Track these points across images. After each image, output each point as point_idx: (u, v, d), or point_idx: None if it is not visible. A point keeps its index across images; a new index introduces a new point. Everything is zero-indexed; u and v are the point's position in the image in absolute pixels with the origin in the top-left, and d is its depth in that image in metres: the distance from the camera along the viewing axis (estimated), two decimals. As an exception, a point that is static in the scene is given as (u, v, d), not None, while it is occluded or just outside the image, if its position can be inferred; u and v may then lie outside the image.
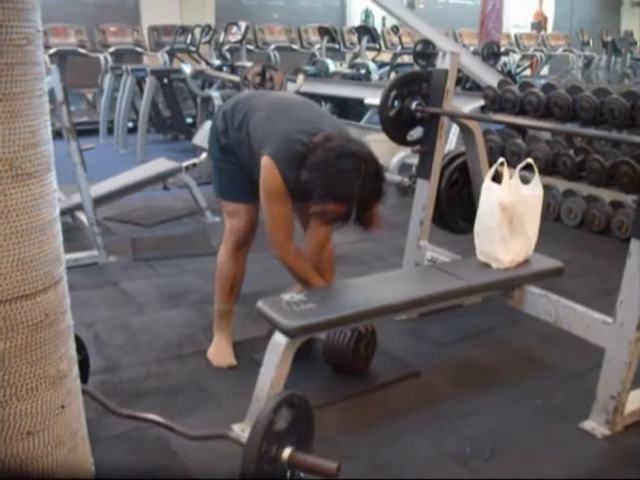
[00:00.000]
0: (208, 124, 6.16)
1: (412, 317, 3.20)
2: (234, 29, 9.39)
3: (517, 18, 15.57)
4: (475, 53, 7.99)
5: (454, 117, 3.20)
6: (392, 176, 5.90)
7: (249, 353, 2.85)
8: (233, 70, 7.50)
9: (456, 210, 3.46)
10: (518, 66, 10.86)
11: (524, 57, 12.68)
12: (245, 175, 2.64)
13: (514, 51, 12.39)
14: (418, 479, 2.15)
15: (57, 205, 1.55)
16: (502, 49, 9.16)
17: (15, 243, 1.40)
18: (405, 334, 3.15)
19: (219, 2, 12.30)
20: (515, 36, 12.97)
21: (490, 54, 7.81)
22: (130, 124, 7.92)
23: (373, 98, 5.66)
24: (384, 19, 12.61)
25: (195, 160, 5.20)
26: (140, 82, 7.89)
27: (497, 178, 2.69)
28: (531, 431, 2.40)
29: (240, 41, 9.31)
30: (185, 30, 9.65)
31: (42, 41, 1.47)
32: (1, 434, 1.45)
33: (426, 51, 6.93)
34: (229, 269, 2.80)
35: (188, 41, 9.31)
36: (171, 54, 9.91)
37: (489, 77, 5.57)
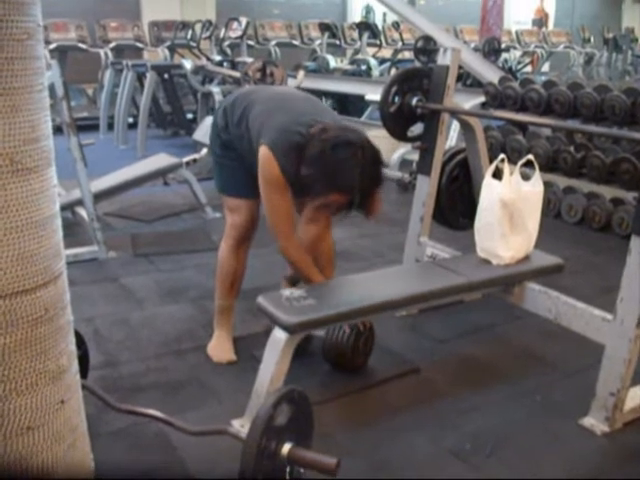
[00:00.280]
0: (208, 120, 6.16)
1: (412, 313, 3.20)
2: (235, 25, 9.38)
3: (518, 14, 15.55)
4: (476, 49, 7.98)
5: (455, 113, 3.19)
6: (392, 172, 5.90)
7: (249, 349, 2.85)
8: (234, 66, 7.50)
9: (456, 206, 3.46)
10: (519, 63, 10.87)
11: (525, 54, 12.67)
12: (246, 170, 2.64)
13: (515, 48, 12.38)
14: (418, 476, 2.15)
15: (57, 200, 1.55)
16: (503, 46, 9.14)
17: (15, 238, 1.40)
18: (405, 330, 3.15)
19: (220, -3, 12.30)
20: (516, 32, 12.95)
21: (491, 50, 7.79)
22: (130, 119, 7.92)
23: (374, 94, 5.66)
24: (385, 15, 12.60)
25: (195, 156, 5.20)
26: (140, 77, 7.89)
27: (498, 174, 2.69)
28: (531, 428, 2.40)
29: (241, 37, 9.30)
30: (186, 26, 9.64)
31: (42, 36, 1.47)
32: (1, 429, 1.45)
33: (427, 47, 6.91)
34: (230, 265, 2.80)
35: (189, 37, 9.30)
36: (172, 49, 9.89)
37: (490, 73, 5.57)
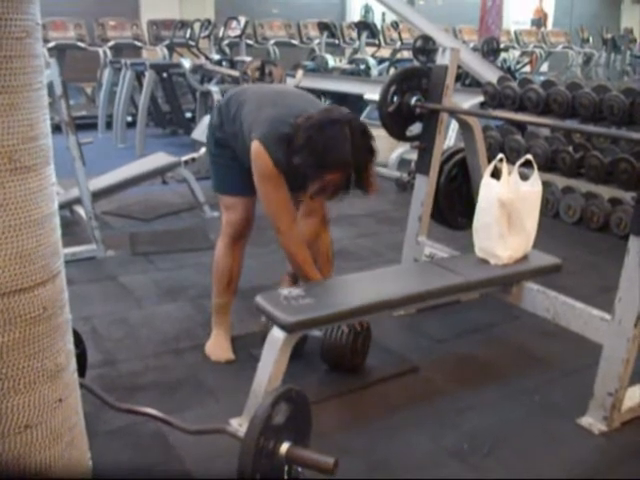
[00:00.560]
0: (207, 119, 6.15)
1: (410, 313, 3.20)
2: (234, 24, 9.39)
3: (517, 14, 15.54)
4: (475, 49, 7.97)
5: (453, 113, 3.20)
6: (391, 172, 5.90)
7: (247, 348, 2.85)
8: (232, 65, 7.50)
9: (455, 206, 3.46)
10: (518, 62, 10.87)
11: (524, 54, 12.67)
12: (241, 169, 2.64)
13: (514, 47, 12.38)
14: (416, 475, 2.15)
15: (55, 199, 1.55)
16: (502, 45, 9.15)
17: (13, 236, 1.39)
18: (403, 330, 3.15)
19: (218, -4, 12.29)
20: (515, 32, 12.95)
21: (490, 50, 7.78)
22: (129, 118, 7.90)
23: (372, 94, 5.65)
24: (384, 15, 12.60)
25: (194, 155, 5.19)
26: (139, 76, 7.88)
27: (496, 174, 2.69)
28: (529, 427, 2.40)
29: (239, 36, 9.30)
30: (184, 24, 9.64)
31: (41, 34, 1.47)
32: (-1, 427, 1.46)
33: (426, 47, 6.90)
34: (226, 262, 2.80)
35: (187, 35, 9.30)
36: (170, 48, 9.89)
37: (489, 73, 5.57)
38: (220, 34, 9.25)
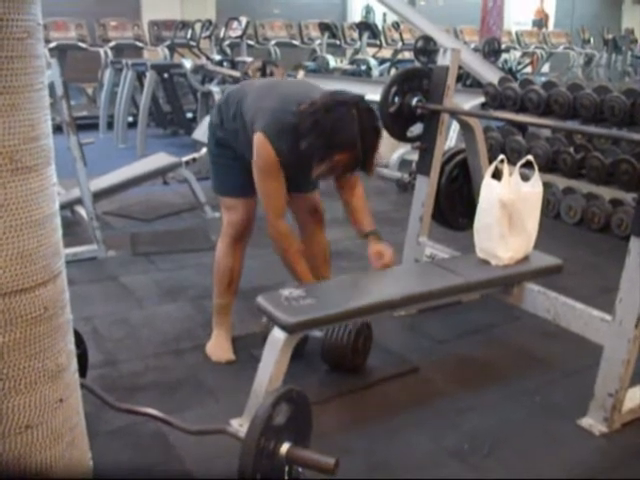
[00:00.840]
0: (208, 119, 6.16)
1: (411, 313, 3.20)
2: (235, 24, 9.38)
3: (518, 15, 15.54)
4: (476, 50, 7.97)
5: (454, 114, 3.19)
6: (392, 172, 5.90)
7: (248, 348, 2.85)
8: (233, 65, 7.49)
9: (456, 207, 3.46)
10: (519, 63, 10.85)
11: (525, 54, 12.65)
12: (241, 170, 2.63)
13: (515, 48, 12.36)
14: (417, 476, 2.15)
15: (56, 199, 1.55)
16: (503, 46, 9.14)
17: (14, 236, 1.40)
18: (404, 330, 3.15)
19: (220, -3, 12.29)
20: (516, 33, 12.94)
21: (491, 51, 7.78)
22: (130, 119, 7.91)
23: (373, 94, 5.64)
24: (385, 15, 12.59)
25: (195, 155, 5.19)
26: (140, 77, 7.88)
27: (497, 175, 2.69)
28: (529, 428, 2.40)
29: (241, 36, 9.29)
30: (186, 25, 9.63)
31: (42, 35, 1.47)
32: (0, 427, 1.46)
33: (427, 48, 6.90)
34: (227, 263, 2.80)
35: (189, 36, 9.29)
36: (171, 49, 9.89)
37: (490, 74, 5.57)
38: (221, 34, 9.25)
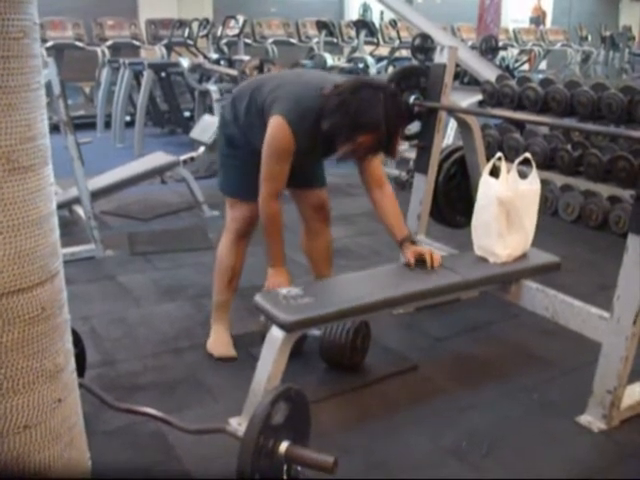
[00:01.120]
0: (206, 118, 6.16)
1: (409, 311, 3.20)
2: (232, 23, 9.38)
3: (515, 13, 15.54)
4: (473, 47, 7.97)
5: (452, 112, 3.20)
6: (390, 170, 5.90)
7: (246, 347, 2.85)
8: (231, 64, 7.49)
9: (454, 204, 3.46)
10: (516, 61, 10.85)
11: (522, 52, 12.66)
12: (250, 173, 2.58)
13: (512, 46, 12.37)
14: (416, 475, 2.15)
15: (54, 199, 1.54)
16: (500, 44, 9.14)
17: (11, 236, 1.39)
18: (402, 328, 3.15)
19: (217, -5, 12.28)
20: (513, 31, 12.94)
21: (488, 49, 7.77)
22: (128, 118, 7.90)
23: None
24: (382, 13, 12.58)
25: (193, 154, 5.20)
26: (138, 76, 7.87)
27: (495, 172, 2.69)
28: (528, 425, 2.41)
29: (238, 35, 9.29)
30: (183, 24, 9.62)
31: (39, 34, 1.46)
32: (-2, 428, 1.45)
33: (424, 45, 6.89)
34: (229, 260, 2.80)
35: (186, 35, 9.28)
36: (169, 48, 9.87)
37: (487, 72, 5.56)
38: (218, 33, 9.24)
